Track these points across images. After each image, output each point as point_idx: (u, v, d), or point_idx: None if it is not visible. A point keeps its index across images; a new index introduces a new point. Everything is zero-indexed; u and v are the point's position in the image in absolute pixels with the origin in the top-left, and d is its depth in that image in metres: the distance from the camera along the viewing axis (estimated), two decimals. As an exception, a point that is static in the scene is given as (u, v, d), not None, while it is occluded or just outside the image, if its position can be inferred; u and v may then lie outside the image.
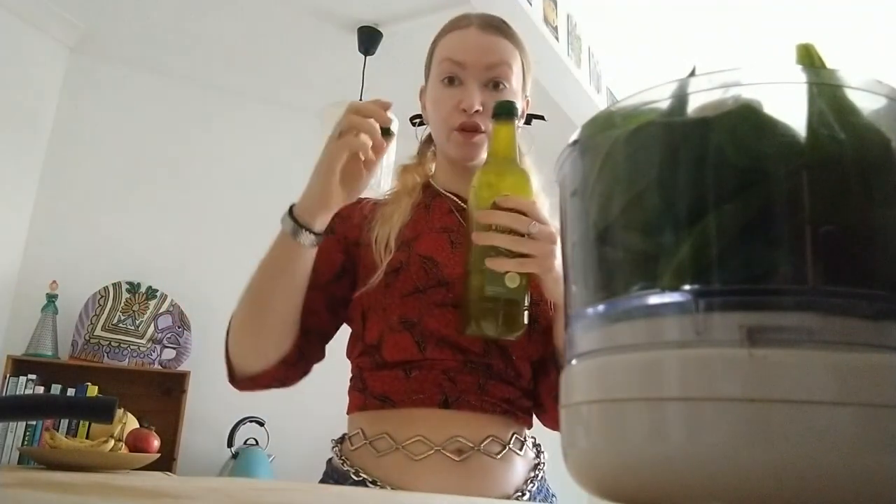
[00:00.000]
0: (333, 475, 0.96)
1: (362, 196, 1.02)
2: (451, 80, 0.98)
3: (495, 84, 0.98)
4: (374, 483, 0.91)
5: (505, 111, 0.85)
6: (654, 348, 0.28)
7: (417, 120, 1.11)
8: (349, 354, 1.03)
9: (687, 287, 0.28)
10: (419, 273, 0.96)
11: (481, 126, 0.97)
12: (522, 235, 0.77)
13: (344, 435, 1.02)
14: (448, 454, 0.89)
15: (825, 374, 0.25)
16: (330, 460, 1.00)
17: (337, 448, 1.00)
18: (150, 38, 3.20)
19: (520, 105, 1.01)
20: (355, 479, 0.92)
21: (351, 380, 1.02)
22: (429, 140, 1.10)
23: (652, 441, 0.27)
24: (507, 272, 0.77)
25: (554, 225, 0.92)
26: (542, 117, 1.10)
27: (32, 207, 3.13)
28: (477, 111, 0.96)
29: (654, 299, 0.28)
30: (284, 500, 0.38)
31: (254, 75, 3.43)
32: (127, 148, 3.33)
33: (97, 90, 3.30)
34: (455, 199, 1.05)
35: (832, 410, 0.24)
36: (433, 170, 1.10)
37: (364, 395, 0.96)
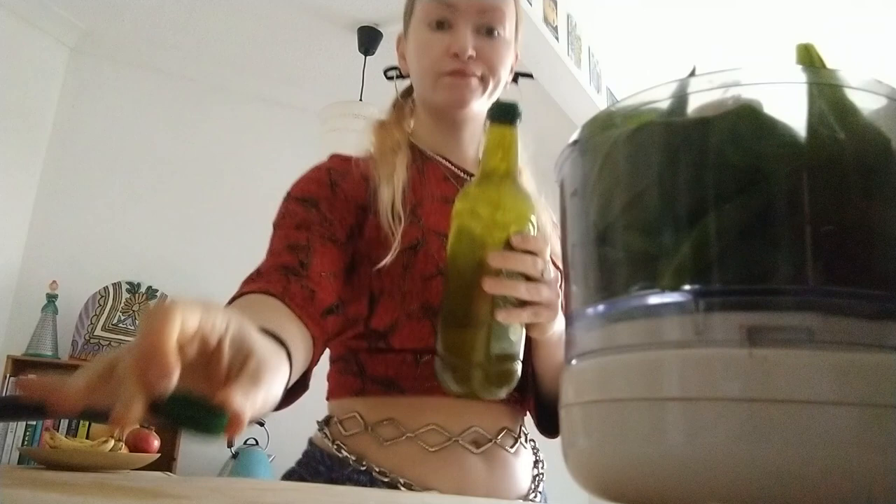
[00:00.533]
0: (325, 461, 0.85)
1: (346, 154, 0.94)
2: (439, 24, 0.88)
3: (489, 30, 0.89)
4: (382, 474, 0.81)
5: (508, 113, 0.68)
6: (654, 348, 0.28)
7: (393, 72, 1.01)
8: (336, 334, 0.89)
9: (687, 287, 0.28)
10: (440, 252, 0.83)
11: (476, 72, 0.88)
12: (535, 280, 0.66)
13: (330, 417, 0.90)
14: (466, 445, 0.82)
15: (825, 374, 0.25)
16: (313, 442, 0.90)
17: (325, 430, 0.88)
18: (150, 38, 3.20)
19: (510, 59, 0.93)
20: (358, 467, 0.82)
21: (336, 361, 0.91)
22: (406, 93, 1.00)
23: (652, 441, 0.27)
24: (510, 325, 0.66)
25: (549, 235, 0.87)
26: (529, 75, 1.02)
27: (32, 207, 3.13)
28: (470, 57, 0.87)
29: (655, 299, 0.28)
30: (284, 500, 0.38)
31: (254, 75, 3.43)
32: (127, 148, 3.33)
33: (97, 90, 3.31)
34: (447, 164, 0.95)
35: (832, 410, 0.24)
36: (412, 127, 0.98)
37: (361, 380, 0.87)
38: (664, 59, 3.25)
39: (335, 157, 0.95)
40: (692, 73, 0.32)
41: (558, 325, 0.72)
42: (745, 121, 0.29)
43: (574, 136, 0.34)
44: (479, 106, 0.92)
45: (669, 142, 0.30)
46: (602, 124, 0.33)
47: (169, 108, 3.45)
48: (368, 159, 0.94)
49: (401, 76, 0.99)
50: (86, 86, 3.28)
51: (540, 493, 0.89)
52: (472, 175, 0.96)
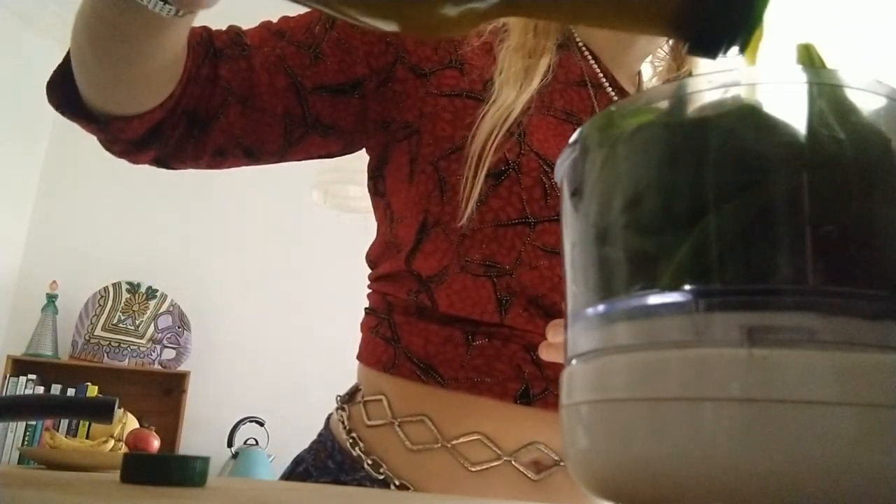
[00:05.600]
0: (335, 455, 0.69)
1: None
2: None
3: None
4: (402, 489, 0.63)
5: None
6: (653, 348, 0.28)
7: None
8: (375, 262, 0.72)
9: (687, 287, 0.28)
10: (535, 190, 0.62)
11: None
12: None
13: (356, 389, 0.72)
14: (520, 468, 0.62)
15: (825, 374, 0.25)
16: (328, 424, 0.74)
17: (345, 410, 0.71)
18: (150, 38, 3.20)
19: None
20: (373, 473, 0.65)
21: (369, 312, 0.72)
22: None
23: (652, 441, 0.27)
24: None
25: None
26: None
27: (32, 207, 3.13)
28: None
29: (654, 299, 0.28)
30: (284, 499, 0.38)
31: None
32: (127, 148, 3.33)
33: (97, 90, 3.31)
34: (593, 63, 0.71)
35: (832, 410, 0.24)
36: None
37: (394, 350, 0.67)
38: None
39: None
40: (692, 74, 0.33)
41: None
42: (745, 121, 0.29)
43: (574, 136, 0.34)
44: None
45: (669, 142, 0.30)
46: (602, 124, 0.33)
47: (169, 108, 3.45)
48: (499, 30, 0.69)
49: None
50: (86, 86, 3.28)
51: None
52: (621, 90, 0.73)
